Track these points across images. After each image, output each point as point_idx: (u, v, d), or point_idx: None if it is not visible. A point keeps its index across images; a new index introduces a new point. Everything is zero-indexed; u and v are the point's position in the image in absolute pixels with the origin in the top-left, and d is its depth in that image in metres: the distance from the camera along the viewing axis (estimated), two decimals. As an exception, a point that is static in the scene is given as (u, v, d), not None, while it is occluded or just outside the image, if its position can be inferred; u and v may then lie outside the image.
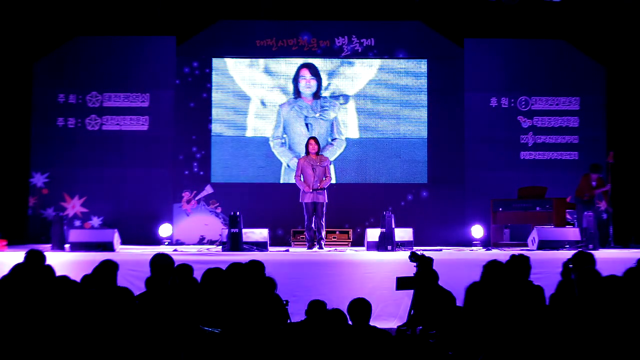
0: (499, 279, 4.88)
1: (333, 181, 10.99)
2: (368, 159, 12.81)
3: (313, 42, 12.81)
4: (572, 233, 10.35)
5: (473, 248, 11.43)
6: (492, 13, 12.51)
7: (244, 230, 9.97)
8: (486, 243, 11.86)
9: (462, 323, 4.34)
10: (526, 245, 10.42)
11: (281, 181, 12.70)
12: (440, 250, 10.26)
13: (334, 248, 10.93)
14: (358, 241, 11.86)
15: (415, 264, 6.89)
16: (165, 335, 4.24)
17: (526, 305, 4.52)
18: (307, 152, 10.49)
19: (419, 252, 7.04)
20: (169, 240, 12.16)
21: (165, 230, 12.24)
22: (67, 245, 9.94)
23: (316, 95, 12.79)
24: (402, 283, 6.90)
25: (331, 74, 12.83)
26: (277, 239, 12.17)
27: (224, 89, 12.80)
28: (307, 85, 12.79)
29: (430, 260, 6.85)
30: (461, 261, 9.05)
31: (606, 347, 3.79)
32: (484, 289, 4.42)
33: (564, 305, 4.54)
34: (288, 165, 12.63)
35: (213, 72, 12.77)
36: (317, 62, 12.84)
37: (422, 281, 6.53)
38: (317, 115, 12.76)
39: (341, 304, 5.13)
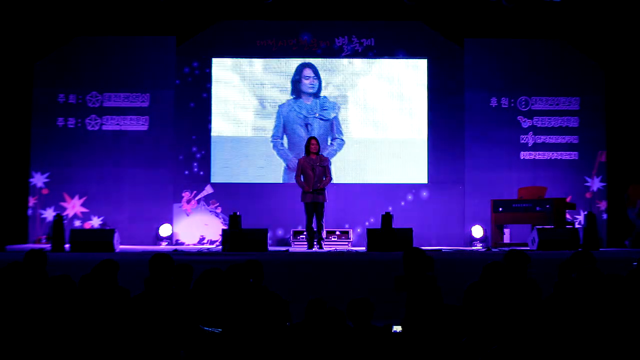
0: (499, 280, 4.87)
1: (333, 181, 10.99)
2: (368, 159, 12.80)
3: (313, 42, 12.81)
4: (572, 233, 10.35)
5: (473, 248, 11.43)
6: (492, 13, 12.50)
7: (243, 230, 9.98)
8: (486, 243, 11.87)
9: (462, 323, 4.34)
10: (526, 245, 10.42)
11: (281, 181, 12.70)
12: (440, 250, 10.26)
13: (334, 248, 10.93)
14: (358, 241, 11.87)
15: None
16: (165, 335, 4.24)
17: (524, 300, 4.52)
18: (308, 152, 10.49)
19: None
20: (168, 240, 12.16)
21: (165, 230, 12.25)
22: (67, 245, 9.95)
23: (316, 95, 12.79)
24: (401, 283, 6.88)
25: (331, 74, 12.82)
26: (277, 239, 12.19)
27: (224, 89, 12.80)
28: (309, 85, 12.78)
29: (431, 259, 6.82)
30: (461, 261, 9.05)
31: (608, 346, 3.78)
32: (483, 289, 4.42)
33: (563, 305, 4.53)
34: (287, 166, 12.62)
35: (213, 72, 12.77)
36: (317, 62, 12.83)
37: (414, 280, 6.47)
38: (317, 115, 12.75)
39: (341, 304, 5.12)
